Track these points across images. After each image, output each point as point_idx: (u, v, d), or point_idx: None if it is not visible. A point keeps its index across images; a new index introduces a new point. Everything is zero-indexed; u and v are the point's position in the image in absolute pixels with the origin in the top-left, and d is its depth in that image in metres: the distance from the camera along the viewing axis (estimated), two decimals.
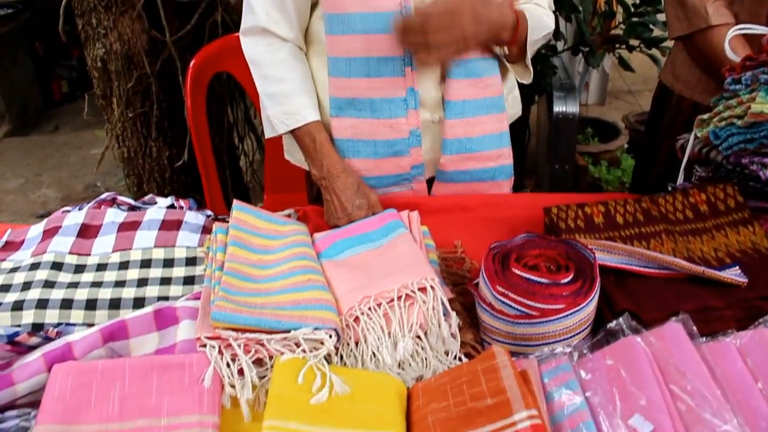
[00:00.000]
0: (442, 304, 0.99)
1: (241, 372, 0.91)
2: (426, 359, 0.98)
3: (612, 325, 0.98)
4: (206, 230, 1.25)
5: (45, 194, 3.58)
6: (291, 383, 0.88)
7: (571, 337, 1.00)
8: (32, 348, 0.99)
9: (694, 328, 0.96)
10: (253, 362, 0.92)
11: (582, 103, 2.12)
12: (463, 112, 1.37)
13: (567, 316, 0.98)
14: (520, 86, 1.55)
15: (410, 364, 0.97)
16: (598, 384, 0.90)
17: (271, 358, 0.93)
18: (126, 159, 2.47)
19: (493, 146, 1.42)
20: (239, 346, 0.92)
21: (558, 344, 0.99)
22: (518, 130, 2.53)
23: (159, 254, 1.18)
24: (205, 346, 0.92)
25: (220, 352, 0.91)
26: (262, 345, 0.92)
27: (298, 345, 0.92)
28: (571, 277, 1.02)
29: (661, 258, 1.11)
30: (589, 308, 1.00)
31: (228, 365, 0.91)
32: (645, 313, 1.03)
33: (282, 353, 0.91)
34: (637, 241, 1.22)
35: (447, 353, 1.00)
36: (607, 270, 1.12)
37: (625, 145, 3.36)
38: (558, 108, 2.15)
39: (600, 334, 0.98)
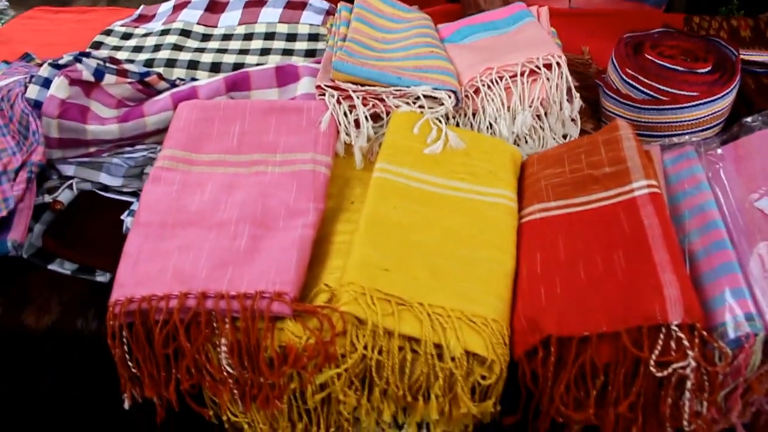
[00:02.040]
0: (568, 85, 0.95)
1: (357, 123, 0.92)
2: (543, 138, 0.95)
3: (748, 120, 0.91)
4: (330, 14, 1.24)
5: None
6: (406, 133, 0.88)
7: (700, 131, 0.94)
8: (161, 92, 1.03)
9: None
10: (370, 116, 0.92)
11: None
12: None
13: (700, 105, 0.92)
14: None
15: (526, 141, 0.95)
16: (726, 171, 0.85)
17: (387, 114, 0.92)
18: None
19: None
20: (358, 97, 0.92)
21: (685, 137, 0.94)
22: None
23: (283, 29, 1.19)
24: (324, 94, 0.93)
25: (339, 101, 0.92)
26: (381, 100, 0.92)
27: (416, 102, 0.91)
28: (709, 68, 0.95)
29: None
30: (725, 101, 0.93)
31: (345, 115, 0.91)
32: None
33: (400, 107, 0.91)
34: None
35: (565, 137, 0.96)
36: (747, 77, 1.04)
37: None
38: None
39: (734, 128, 0.92)
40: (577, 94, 0.96)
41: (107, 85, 0.98)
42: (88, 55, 0.98)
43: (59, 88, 0.93)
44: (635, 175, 0.80)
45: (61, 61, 0.97)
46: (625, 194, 0.79)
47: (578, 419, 0.68)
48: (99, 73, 0.97)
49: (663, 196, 0.79)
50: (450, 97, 0.91)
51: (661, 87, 0.92)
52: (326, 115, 0.90)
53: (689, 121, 0.92)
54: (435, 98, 0.91)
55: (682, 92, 0.92)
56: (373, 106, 0.92)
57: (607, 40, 1.26)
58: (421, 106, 0.91)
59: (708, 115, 0.93)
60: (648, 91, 0.93)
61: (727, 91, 0.92)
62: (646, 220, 0.75)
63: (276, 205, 0.83)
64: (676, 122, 0.93)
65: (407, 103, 0.91)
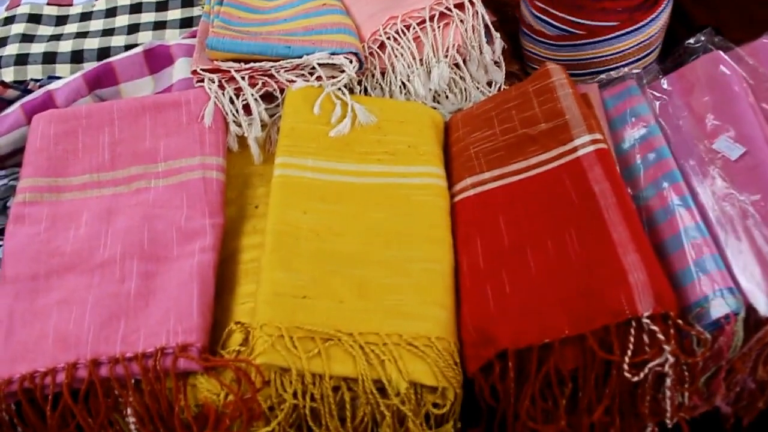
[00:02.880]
0: (485, 24, 0.82)
1: (247, 109, 0.77)
2: (466, 90, 0.83)
3: (691, 41, 0.81)
4: None
5: None
6: (306, 115, 0.74)
7: (629, 63, 0.83)
8: (11, 102, 0.86)
9: None
10: (262, 97, 0.78)
11: None
12: None
13: (621, 36, 0.80)
14: None
15: (447, 96, 0.83)
16: (674, 107, 0.75)
17: (282, 91, 0.78)
18: None
19: None
20: (243, 78, 0.77)
21: (624, 69, 0.82)
22: None
23: None
24: (203, 80, 0.78)
25: (221, 86, 0.77)
26: (271, 76, 0.78)
27: (312, 73, 0.77)
28: None
29: None
30: (651, 27, 0.81)
31: (232, 101, 0.77)
32: (730, 31, 0.85)
33: (294, 83, 0.77)
34: None
35: (490, 84, 0.84)
36: None
37: None
38: None
39: (676, 53, 0.81)
40: (497, 34, 0.83)
41: None
42: None
43: None
44: (576, 129, 0.69)
45: None
46: (567, 154, 0.68)
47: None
48: None
49: (610, 152, 0.68)
50: (351, 61, 0.77)
51: (575, 19, 0.80)
52: (209, 106, 0.75)
53: (611, 55, 0.82)
54: (334, 65, 0.77)
55: (598, 23, 0.80)
56: (264, 84, 0.78)
57: None
58: (319, 78, 0.77)
59: (633, 47, 0.81)
60: (561, 26, 0.81)
61: (653, 16, 0.80)
62: (596, 187, 0.64)
63: (165, 229, 0.70)
64: (597, 57, 0.82)
65: (303, 77, 0.77)
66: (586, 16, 0.80)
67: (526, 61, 0.88)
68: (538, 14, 0.83)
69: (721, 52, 0.76)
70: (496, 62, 0.84)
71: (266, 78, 0.77)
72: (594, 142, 0.68)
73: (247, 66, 0.77)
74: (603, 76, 0.80)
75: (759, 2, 0.90)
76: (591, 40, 0.81)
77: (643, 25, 0.80)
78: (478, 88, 0.83)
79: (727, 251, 0.61)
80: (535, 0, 0.83)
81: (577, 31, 0.81)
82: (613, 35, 0.80)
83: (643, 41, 0.82)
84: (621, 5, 0.81)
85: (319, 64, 0.76)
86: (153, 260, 0.68)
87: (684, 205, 0.64)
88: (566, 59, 0.84)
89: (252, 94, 0.77)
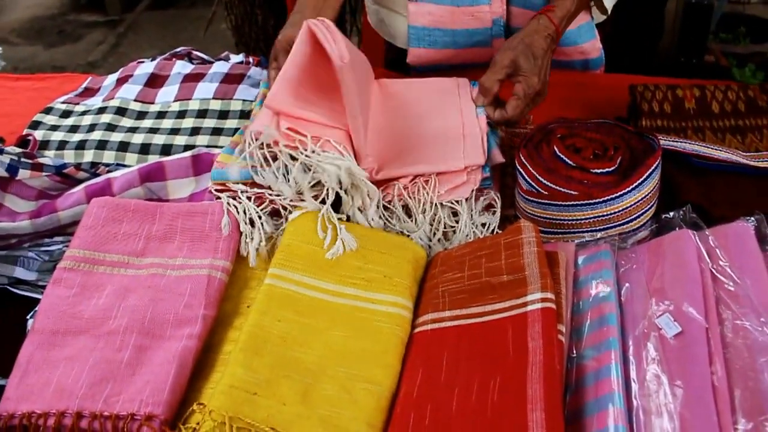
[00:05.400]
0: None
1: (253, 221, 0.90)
2: (460, 229, 0.92)
3: (669, 215, 0.87)
4: None
5: None
6: (303, 235, 0.86)
7: (601, 229, 0.89)
8: (81, 182, 1.03)
9: None
10: (270, 213, 0.91)
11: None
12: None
13: (576, 206, 0.88)
14: None
15: (443, 232, 0.92)
16: (635, 277, 0.81)
17: (285, 208, 0.91)
18: (234, 27, 2.49)
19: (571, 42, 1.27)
20: (249, 198, 0.91)
21: (585, 234, 0.89)
22: (650, 23, 2.28)
23: (216, 105, 1.18)
24: (219, 197, 0.92)
25: (238, 200, 0.91)
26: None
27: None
28: (609, 168, 0.90)
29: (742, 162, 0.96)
30: (610, 206, 0.88)
31: (245, 212, 0.90)
32: (715, 208, 0.91)
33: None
34: (731, 134, 1.06)
35: (484, 225, 0.93)
36: (685, 163, 0.99)
37: None
38: None
39: (653, 225, 0.88)
40: (497, 196, 0.93)
41: (24, 178, 0.98)
42: (1, 151, 0.98)
43: None
44: (531, 286, 0.77)
45: None
46: (517, 308, 0.76)
47: None
48: (13, 169, 0.97)
49: (555, 313, 0.74)
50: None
51: (542, 179, 0.89)
52: (224, 219, 0.89)
53: (567, 221, 0.88)
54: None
55: (560, 188, 0.88)
56: (270, 202, 0.91)
57: (555, 106, 1.22)
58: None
59: (587, 219, 0.88)
60: (531, 181, 0.90)
61: (611, 196, 0.86)
62: (530, 343, 0.71)
63: (165, 312, 0.82)
64: (555, 219, 0.89)
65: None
66: (552, 179, 0.88)
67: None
68: (518, 166, 0.92)
69: (690, 232, 0.82)
70: (492, 207, 0.93)
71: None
72: (543, 300, 0.75)
73: (252, 190, 0.91)
74: (578, 240, 0.87)
75: (752, 185, 0.95)
76: (551, 202, 0.89)
77: (599, 202, 0.86)
78: (473, 224, 0.92)
79: (636, 425, 0.66)
80: (521, 153, 0.92)
81: (542, 191, 0.89)
82: (569, 203, 0.87)
83: (600, 216, 0.88)
84: (586, 178, 0.88)
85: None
86: (149, 336, 0.80)
87: (611, 374, 0.69)
88: (532, 214, 0.91)
89: (255, 210, 0.90)
